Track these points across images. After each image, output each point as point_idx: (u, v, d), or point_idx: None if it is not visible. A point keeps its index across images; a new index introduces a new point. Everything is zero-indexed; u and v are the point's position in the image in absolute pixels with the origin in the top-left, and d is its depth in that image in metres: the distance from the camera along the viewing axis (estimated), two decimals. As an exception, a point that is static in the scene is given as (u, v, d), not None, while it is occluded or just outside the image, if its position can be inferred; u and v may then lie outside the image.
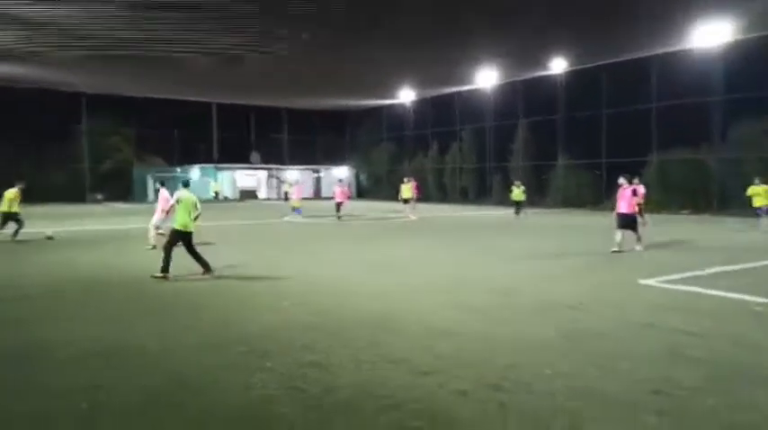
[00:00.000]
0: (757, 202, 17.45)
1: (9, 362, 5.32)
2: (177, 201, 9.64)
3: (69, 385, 4.68)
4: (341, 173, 47.33)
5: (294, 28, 21.67)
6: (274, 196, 46.22)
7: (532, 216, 23.99)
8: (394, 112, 44.10)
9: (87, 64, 28.03)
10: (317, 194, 47.71)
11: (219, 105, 44.37)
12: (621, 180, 12.93)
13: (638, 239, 12.78)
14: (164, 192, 13.44)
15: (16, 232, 14.64)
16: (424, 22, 21.46)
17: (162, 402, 4.36)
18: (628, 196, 12.64)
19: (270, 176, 47.25)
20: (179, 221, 9.56)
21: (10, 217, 14.60)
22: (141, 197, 38.97)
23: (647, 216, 17.80)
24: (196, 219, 9.82)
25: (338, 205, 22.48)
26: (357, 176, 49.27)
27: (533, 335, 6.07)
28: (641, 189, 17.12)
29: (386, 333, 6.21)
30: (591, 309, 7.31)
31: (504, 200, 31.97)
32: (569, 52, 27.40)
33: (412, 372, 4.92)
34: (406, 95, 40.18)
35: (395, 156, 43.97)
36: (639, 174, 21.32)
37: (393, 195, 28.14)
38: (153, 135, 41.81)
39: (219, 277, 9.64)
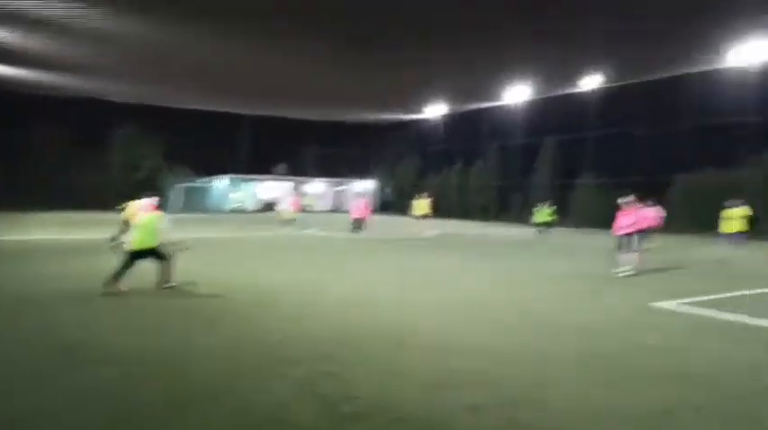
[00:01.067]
0: (733, 227, 17.13)
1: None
2: (138, 221, 9.27)
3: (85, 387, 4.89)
4: (364, 186, 47.72)
5: (322, 40, 22.11)
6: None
7: (557, 235, 23.86)
8: (421, 127, 44.46)
9: (122, 73, 29.05)
10: (339, 207, 48.14)
11: (249, 117, 45.17)
12: (625, 199, 12.73)
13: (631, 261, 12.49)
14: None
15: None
16: (455, 37, 21.60)
17: (181, 406, 4.51)
18: (628, 215, 12.52)
19: (294, 188, 47.89)
20: (138, 240, 9.06)
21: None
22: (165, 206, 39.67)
23: (657, 238, 17.31)
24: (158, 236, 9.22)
25: (357, 221, 22.26)
26: (381, 190, 49.61)
27: (548, 355, 6.13)
28: (650, 211, 16.46)
29: (401, 347, 6.32)
30: (604, 329, 7.34)
31: (524, 218, 31.87)
32: (604, 68, 27.23)
33: (425, 387, 5.02)
34: (434, 110, 40.50)
35: (420, 171, 44.27)
36: (661, 194, 21.18)
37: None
38: (182, 145, 42.58)
39: (227, 289, 9.84)
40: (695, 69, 25.97)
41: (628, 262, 12.37)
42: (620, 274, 12.12)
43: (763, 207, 22.39)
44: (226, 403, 4.56)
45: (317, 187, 47.78)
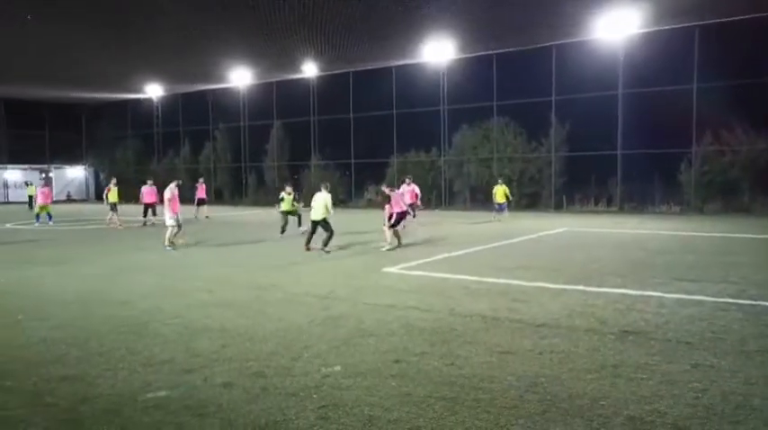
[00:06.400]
0: (498, 199, 21.19)
1: None
2: None
3: None
4: (76, 173, 42.75)
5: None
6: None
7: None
8: (140, 108, 41.06)
9: None
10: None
11: None
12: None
13: None
14: None
15: None
16: (178, 19, 20.59)
17: None
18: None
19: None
20: None
21: None
22: None
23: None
24: None
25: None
26: (97, 176, 44.79)
27: (291, 325, 6.53)
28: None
29: (141, 337, 6.07)
30: (341, 296, 8.08)
31: (258, 200, 32.24)
32: (320, 58, 28.71)
33: (174, 373, 4.96)
34: (153, 90, 37.73)
35: (142, 155, 41.08)
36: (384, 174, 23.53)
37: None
38: None
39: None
40: (400, 62, 29.23)
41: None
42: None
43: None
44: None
45: (13, 175, 41.09)
